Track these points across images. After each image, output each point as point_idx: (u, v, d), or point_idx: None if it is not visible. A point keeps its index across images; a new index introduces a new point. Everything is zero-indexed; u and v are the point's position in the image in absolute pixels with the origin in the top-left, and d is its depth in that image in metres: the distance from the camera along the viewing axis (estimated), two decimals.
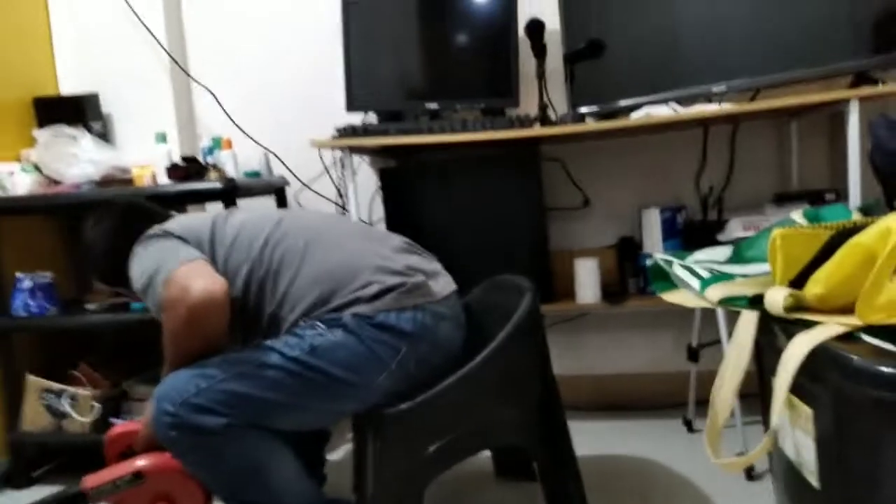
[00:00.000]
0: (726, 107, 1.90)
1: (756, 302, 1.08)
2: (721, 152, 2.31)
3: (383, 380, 1.37)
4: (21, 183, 2.17)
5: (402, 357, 1.38)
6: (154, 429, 1.36)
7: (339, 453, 2.19)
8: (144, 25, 2.39)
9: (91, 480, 1.45)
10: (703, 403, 2.10)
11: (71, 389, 2.12)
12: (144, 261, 1.44)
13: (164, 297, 1.34)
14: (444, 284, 1.51)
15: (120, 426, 1.62)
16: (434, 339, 1.43)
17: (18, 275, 2.17)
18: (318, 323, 1.38)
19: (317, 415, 1.41)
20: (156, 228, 1.51)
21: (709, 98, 2.00)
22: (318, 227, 1.53)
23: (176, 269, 1.36)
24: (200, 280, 1.32)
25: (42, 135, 2.20)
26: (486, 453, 1.97)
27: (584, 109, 2.14)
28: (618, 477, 1.89)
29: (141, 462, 1.44)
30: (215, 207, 2.44)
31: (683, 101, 2.00)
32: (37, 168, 2.21)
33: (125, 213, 1.66)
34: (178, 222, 1.54)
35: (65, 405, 2.12)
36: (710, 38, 1.99)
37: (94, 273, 1.69)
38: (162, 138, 2.23)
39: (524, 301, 1.47)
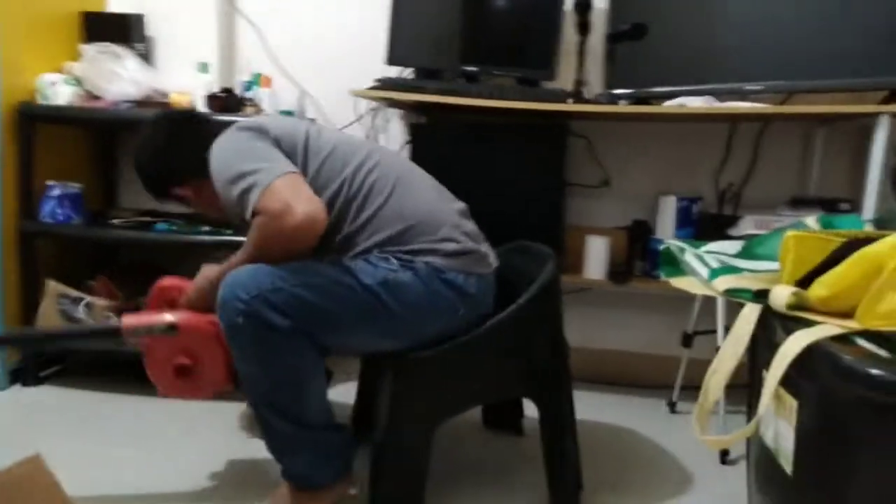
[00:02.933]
0: (760, 106, 1.94)
1: (760, 296, 1.14)
2: (745, 149, 2.35)
3: (431, 329, 1.46)
4: (62, 93, 2.21)
5: (458, 315, 1.46)
6: (220, 312, 1.37)
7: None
8: None
9: (128, 320, 1.52)
10: (688, 388, 2.20)
11: (88, 298, 2.20)
12: (233, 153, 1.45)
13: (262, 207, 1.36)
14: (494, 256, 1.60)
15: (170, 279, 1.66)
16: (483, 306, 1.52)
17: (49, 182, 2.23)
18: (392, 258, 1.44)
19: (362, 340, 1.46)
20: (250, 120, 1.51)
21: (743, 95, 2.03)
22: (404, 168, 1.58)
23: (276, 179, 1.37)
24: (304, 203, 1.35)
25: (88, 50, 2.24)
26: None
27: (618, 91, 2.17)
28: (603, 444, 1.98)
29: (180, 315, 1.51)
30: None
31: (718, 95, 2.04)
32: (79, 82, 2.26)
33: (178, 120, 1.69)
34: (274, 120, 1.54)
35: (80, 312, 2.20)
36: (752, 37, 2.02)
37: (147, 180, 1.68)
38: (204, 68, 2.27)
39: (546, 267, 1.55)
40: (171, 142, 1.64)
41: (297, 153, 1.49)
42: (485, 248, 1.56)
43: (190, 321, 1.50)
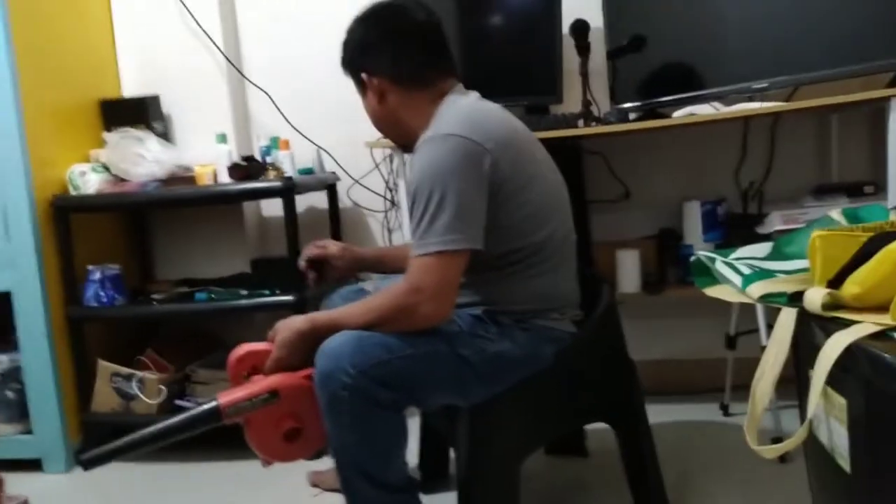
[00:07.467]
0: (767, 105, 1.95)
1: (795, 298, 1.15)
2: (761, 146, 2.35)
3: (516, 379, 1.44)
4: (91, 181, 2.31)
5: (548, 361, 1.45)
6: (323, 383, 1.31)
7: None
8: (202, 28, 2.50)
9: (226, 398, 1.40)
10: (738, 388, 2.18)
11: (139, 373, 2.27)
12: (439, 170, 1.34)
13: (417, 279, 1.33)
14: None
15: (245, 346, 1.53)
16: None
17: (90, 267, 2.31)
18: (492, 325, 1.43)
19: (445, 399, 1.44)
20: (491, 138, 1.37)
21: (750, 94, 2.04)
22: (571, 247, 1.55)
23: (450, 253, 1.32)
24: (446, 304, 1.34)
25: (111, 137, 2.33)
26: None
27: (626, 105, 2.20)
28: (662, 453, 1.95)
29: (276, 380, 1.41)
30: (273, 204, 2.56)
31: (725, 97, 2.05)
32: (105, 168, 2.35)
33: (426, 26, 1.54)
34: (510, 148, 1.41)
35: (134, 388, 2.27)
36: (752, 35, 2.04)
37: (348, 48, 1.60)
38: (222, 139, 2.35)
39: (603, 294, 1.58)
40: (401, 33, 1.53)
41: (509, 198, 1.40)
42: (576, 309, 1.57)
43: (289, 383, 1.41)
